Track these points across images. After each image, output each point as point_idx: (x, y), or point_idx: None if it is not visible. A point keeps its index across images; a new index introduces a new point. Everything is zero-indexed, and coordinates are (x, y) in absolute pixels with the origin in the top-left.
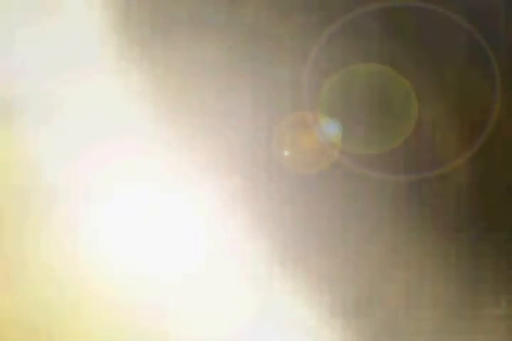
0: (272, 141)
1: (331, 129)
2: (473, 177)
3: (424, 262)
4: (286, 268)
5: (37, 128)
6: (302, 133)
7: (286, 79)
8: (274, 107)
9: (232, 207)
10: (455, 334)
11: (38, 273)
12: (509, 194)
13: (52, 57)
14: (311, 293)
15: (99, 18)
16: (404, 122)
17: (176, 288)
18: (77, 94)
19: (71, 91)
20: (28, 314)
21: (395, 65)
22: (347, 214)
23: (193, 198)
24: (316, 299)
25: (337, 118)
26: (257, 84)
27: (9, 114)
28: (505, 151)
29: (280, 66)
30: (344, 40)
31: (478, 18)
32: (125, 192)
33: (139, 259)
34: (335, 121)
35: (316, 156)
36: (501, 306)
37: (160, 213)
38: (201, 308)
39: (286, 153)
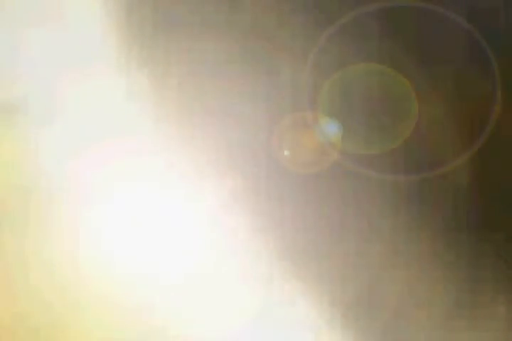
0: (272, 141)
1: (331, 129)
2: (473, 177)
3: (424, 262)
4: (286, 268)
5: (38, 128)
6: (302, 133)
7: (286, 79)
8: (274, 107)
9: (232, 207)
10: (455, 333)
11: (39, 273)
12: (508, 194)
13: (53, 57)
14: (311, 293)
15: (100, 19)
16: (404, 122)
17: (176, 288)
18: (79, 95)
19: (72, 91)
20: (29, 314)
21: (394, 65)
22: (347, 214)
23: (193, 198)
24: (316, 299)
25: (337, 118)
26: (257, 84)
27: (11, 114)
28: (504, 151)
29: (280, 66)
30: (344, 40)
31: (478, 18)
32: (126, 191)
33: (139, 259)
34: (335, 121)
35: (316, 156)
36: (500, 305)
37: (160, 213)
38: (201, 308)
39: (286, 153)
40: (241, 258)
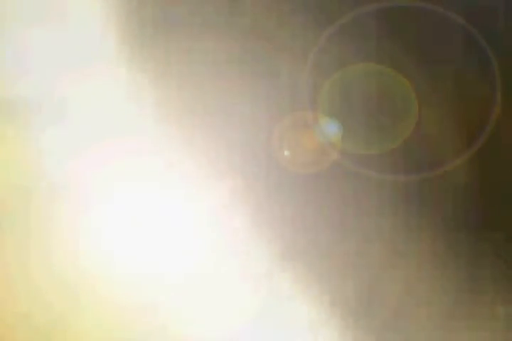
0: (272, 141)
1: (331, 129)
2: (473, 177)
3: (424, 261)
4: (286, 268)
5: (40, 128)
6: (302, 133)
7: (286, 79)
8: (274, 107)
9: (231, 207)
10: (454, 332)
11: (40, 272)
12: (508, 194)
13: (54, 57)
14: (311, 293)
15: (101, 19)
16: (404, 122)
17: (177, 288)
18: (79, 95)
19: (73, 91)
20: (30, 314)
21: (394, 65)
22: (347, 213)
23: (193, 198)
24: (315, 299)
25: (337, 118)
26: (256, 84)
27: (13, 114)
28: (504, 151)
29: (280, 66)
30: (344, 40)
31: (478, 18)
32: (126, 191)
33: (139, 259)
34: (335, 121)
35: (316, 156)
36: (500, 305)
37: (161, 213)
38: (201, 308)
39: (286, 153)
40: (241, 258)
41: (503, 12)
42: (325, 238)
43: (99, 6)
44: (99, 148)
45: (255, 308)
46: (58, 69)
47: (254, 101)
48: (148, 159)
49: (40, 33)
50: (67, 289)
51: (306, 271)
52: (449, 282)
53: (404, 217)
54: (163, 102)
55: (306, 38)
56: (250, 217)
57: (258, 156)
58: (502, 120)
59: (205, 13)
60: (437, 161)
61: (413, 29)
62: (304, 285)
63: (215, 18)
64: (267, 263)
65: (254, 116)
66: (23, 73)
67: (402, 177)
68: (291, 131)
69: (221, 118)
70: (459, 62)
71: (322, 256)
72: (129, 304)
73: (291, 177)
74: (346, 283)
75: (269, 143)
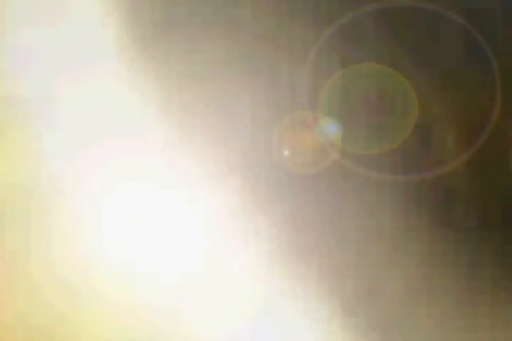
0: (272, 141)
1: (330, 129)
2: (472, 177)
3: (423, 261)
4: (286, 268)
5: (41, 128)
6: (302, 133)
7: (286, 79)
8: (274, 107)
9: (231, 207)
10: (454, 332)
11: (41, 273)
12: (507, 194)
13: (55, 57)
14: (311, 293)
15: (102, 19)
16: (404, 122)
17: (176, 288)
18: (81, 95)
19: (74, 91)
20: (31, 314)
21: (394, 65)
22: (346, 213)
23: (193, 198)
24: (315, 298)
25: (337, 118)
26: (256, 84)
27: (13, 114)
28: (504, 151)
29: (280, 66)
30: (344, 40)
31: (478, 18)
32: (127, 192)
33: (140, 259)
34: (335, 121)
35: (316, 156)
36: (499, 304)
37: (161, 213)
38: (202, 308)
39: (286, 153)
40: (241, 258)
41: (503, 12)
42: (325, 237)
43: (100, 5)
44: (100, 149)
45: (255, 308)
46: (58, 69)
47: (254, 101)
48: (149, 159)
49: (40, 33)
50: (69, 289)
51: (305, 271)
52: (448, 281)
53: (404, 217)
54: (163, 102)
55: (306, 37)
56: (250, 217)
57: (258, 156)
58: (502, 120)
59: (205, 13)
60: (437, 161)
61: (413, 29)
62: (303, 284)
63: (215, 19)
64: (266, 263)
65: (254, 116)
66: (23, 73)
67: (402, 177)
68: (291, 131)
69: (221, 118)
70: (458, 62)
71: (322, 256)
72: (129, 304)
73: (291, 177)
74: (346, 283)
75: (269, 143)
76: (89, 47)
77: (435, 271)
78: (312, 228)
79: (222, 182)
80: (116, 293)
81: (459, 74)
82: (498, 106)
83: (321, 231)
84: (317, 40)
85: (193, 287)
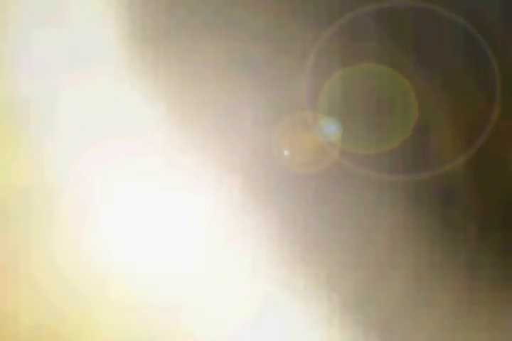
0: (272, 141)
1: (331, 129)
2: (472, 177)
3: (423, 260)
4: (285, 268)
5: (42, 128)
6: (302, 133)
7: (286, 79)
8: (274, 107)
9: (231, 207)
10: (453, 331)
11: (42, 273)
12: (507, 194)
13: (55, 58)
14: (311, 292)
15: (102, 20)
16: (404, 122)
17: (177, 287)
18: (81, 95)
19: (75, 92)
20: (33, 314)
21: (394, 66)
22: (346, 213)
23: (193, 198)
24: (315, 298)
25: (337, 118)
26: (257, 85)
27: (13, 115)
28: (504, 151)
29: (280, 66)
30: (344, 40)
31: (478, 18)
32: (129, 192)
33: (141, 258)
34: (335, 121)
35: (316, 156)
36: (498, 304)
37: (162, 213)
38: (201, 308)
39: (286, 153)
40: (241, 257)
41: (503, 12)
42: (324, 237)
43: (100, 5)
44: (100, 149)
45: (254, 307)
46: (59, 69)
47: (255, 101)
48: (149, 159)
49: (41, 34)
50: (69, 289)
51: (305, 270)
52: (447, 281)
53: (404, 217)
54: (163, 102)
55: (306, 38)
56: (250, 217)
57: (258, 156)
58: (501, 120)
59: (206, 13)
60: (437, 161)
61: (413, 29)
62: (303, 284)
63: (215, 19)
64: (266, 262)
65: (255, 116)
66: (24, 73)
67: (402, 177)
68: (291, 131)
69: (221, 118)
70: (458, 62)
71: (322, 255)
72: (130, 303)
73: (291, 177)
74: (346, 282)
75: (269, 143)
76: (90, 47)
77: (434, 270)
78: (312, 228)
79: (223, 182)
80: (117, 292)
81: (458, 74)
82: (498, 107)
83: (321, 231)
84: (317, 40)
85: (194, 286)
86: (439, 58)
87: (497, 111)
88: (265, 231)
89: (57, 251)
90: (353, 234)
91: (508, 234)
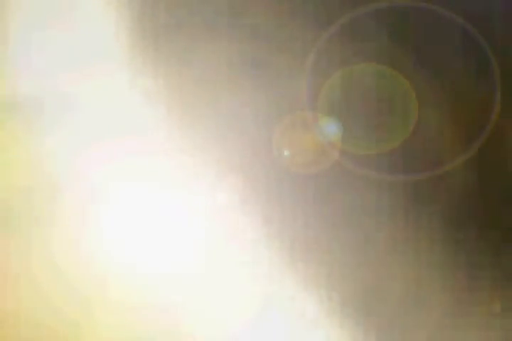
0: (272, 141)
1: (331, 129)
2: (472, 176)
3: (423, 260)
4: (285, 267)
5: (47, 127)
6: (302, 133)
7: (286, 79)
8: (275, 107)
9: (231, 207)
10: (453, 330)
11: (43, 272)
12: (506, 193)
13: (64, 56)
14: (311, 292)
15: (104, 18)
16: (404, 122)
17: (177, 287)
18: (88, 94)
19: (82, 90)
20: (33, 313)
21: (394, 66)
22: (346, 213)
23: (193, 197)
24: (315, 297)
25: (337, 118)
26: (257, 85)
27: (16, 113)
28: (503, 151)
29: (280, 66)
30: (343, 40)
31: (478, 17)
32: (130, 191)
33: (141, 258)
34: (335, 121)
35: (316, 156)
36: (498, 303)
37: (162, 212)
38: (201, 308)
39: (286, 153)
40: (241, 257)
41: (503, 12)
42: (324, 237)
43: (101, 6)
44: (103, 148)
45: (255, 307)
46: (60, 68)
47: (255, 101)
48: (150, 159)
49: (44, 32)
50: (73, 289)
51: (305, 270)
52: (447, 280)
53: (404, 217)
54: (163, 103)
55: (306, 38)
56: (250, 217)
57: (258, 156)
58: (501, 120)
59: (206, 14)
60: (437, 161)
61: (413, 29)
62: (303, 284)
63: (216, 20)
64: (266, 262)
65: (255, 116)
66: (24, 74)
67: (402, 176)
68: (291, 131)
69: (221, 118)
70: (458, 62)
71: (322, 255)
72: (130, 303)
73: (291, 177)
74: (346, 282)
75: (269, 143)
76: (91, 47)
77: (434, 270)
78: (312, 227)
79: (223, 182)
80: (117, 292)
81: (458, 74)
82: (498, 106)
83: (321, 231)
84: (317, 40)
85: (193, 286)
86: (439, 58)
87: (497, 111)
88: (265, 231)
89: (58, 251)
90: (353, 234)
91: (507, 234)
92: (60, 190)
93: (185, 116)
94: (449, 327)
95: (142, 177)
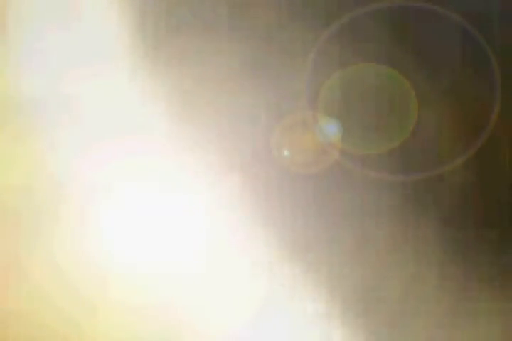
0: (272, 141)
1: (331, 129)
2: (471, 177)
3: (422, 260)
4: (285, 267)
5: (49, 127)
6: (302, 133)
7: (286, 79)
8: (275, 107)
9: (231, 207)
10: (452, 329)
11: (44, 272)
12: (506, 193)
13: (65, 56)
14: (311, 291)
15: (107, 18)
16: (404, 122)
17: (178, 287)
18: (89, 94)
19: (83, 90)
20: (34, 313)
21: (394, 65)
22: (346, 213)
23: (194, 197)
24: (315, 297)
25: (337, 118)
26: (257, 85)
27: (19, 113)
28: (503, 151)
29: (280, 66)
30: (343, 40)
31: (478, 17)
32: (132, 191)
33: (142, 258)
34: (335, 121)
35: (316, 156)
36: (497, 302)
37: (162, 212)
38: (201, 308)
39: (286, 153)
40: (241, 257)
41: (503, 12)
42: (324, 237)
43: (102, 6)
44: (104, 148)
45: (254, 306)
46: (62, 68)
47: (255, 101)
48: (149, 159)
49: (47, 32)
50: (71, 289)
51: (305, 270)
52: (447, 280)
53: (403, 216)
54: (164, 102)
55: (306, 38)
56: (250, 217)
57: (258, 156)
58: (501, 120)
59: (206, 15)
60: (436, 161)
61: (413, 29)
62: (303, 283)
63: (216, 20)
64: (266, 262)
65: (255, 116)
66: (26, 73)
67: (402, 177)
68: (291, 131)
69: (221, 118)
70: (458, 62)
71: (321, 255)
72: (131, 303)
73: (291, 177)
74: (345, 282)
75: (269, 143)
76: (91, 48)
77: (434, 269)
78: (312, 227)
79: (223, 182)
80: (118, 292)
81: (458, 74)
82: (498, 106)
83: (321, 231)
84: (317, 40)
85: (194, 286)
86: (439, 58)
87: (497, 111)
88: (265, 230)
89: (59, 250)
90: (352, 234)
91: (507, 233)
92: (61, 190)
93: (186, 116)
94: (449, 326)
95: (142, 176)
